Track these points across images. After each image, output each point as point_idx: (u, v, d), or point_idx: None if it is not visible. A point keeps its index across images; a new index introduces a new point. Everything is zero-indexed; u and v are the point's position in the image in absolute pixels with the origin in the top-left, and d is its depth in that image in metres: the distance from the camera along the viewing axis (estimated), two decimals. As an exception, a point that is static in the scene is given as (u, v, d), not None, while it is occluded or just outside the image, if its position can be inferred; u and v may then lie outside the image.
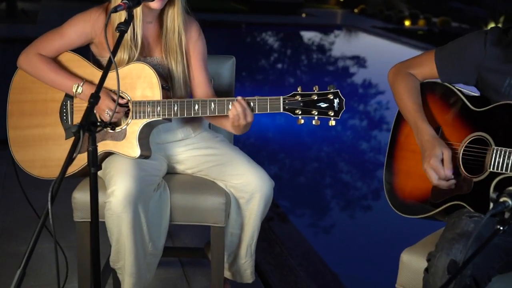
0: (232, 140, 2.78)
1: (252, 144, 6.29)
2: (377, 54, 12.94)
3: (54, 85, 2.38)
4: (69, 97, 2.40)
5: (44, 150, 2.40)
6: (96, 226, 1.98)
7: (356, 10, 18.23)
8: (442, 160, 2.06)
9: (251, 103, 2.22)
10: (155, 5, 2.29)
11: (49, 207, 1.68)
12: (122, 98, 2.32)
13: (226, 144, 2.54)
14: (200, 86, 2.47)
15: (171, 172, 2.55)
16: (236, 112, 2.19)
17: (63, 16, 2.44)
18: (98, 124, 1.88)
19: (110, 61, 1.94)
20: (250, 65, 10.70)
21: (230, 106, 2.22)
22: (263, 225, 2.55)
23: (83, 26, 2.37)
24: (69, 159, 1.76)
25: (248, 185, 2.38)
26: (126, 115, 2.33)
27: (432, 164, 2.06)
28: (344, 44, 14.51)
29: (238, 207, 2.44)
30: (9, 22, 11.88)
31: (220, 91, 2.73)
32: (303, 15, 16.87)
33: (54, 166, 2.37)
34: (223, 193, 2.40)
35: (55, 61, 2.41)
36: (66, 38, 2.39)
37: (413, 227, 2.77)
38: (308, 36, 15.00)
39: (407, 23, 17.28)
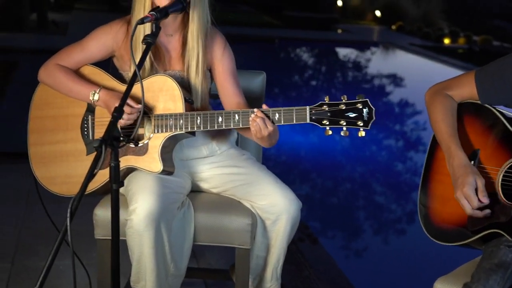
0: (260, 159, 2.76)
1: (284, 162, 6.26)
2: (415, 73, 12.81)
3: (72, 94, 2.39)
4: (90, 111, 2.40)
5: (64, 167, 2.40)
6: (117, 244, 1.97)
7: (393, 27, 18.13)
8: (476, 189, 2.01)
9: (270, 113, 2.19)
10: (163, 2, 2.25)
11: (68, 224, 1.67)
12: (132, 107, 2.29)
13: (253, 163, 2.51)
14: (232, 97, 2.44)
15: (195, 190, 2.53)
16: (255, 123, 2.17)
17: (93, 27, 2.45)
18: (121, 139, 1.87)
19: (134, 73, 1.94)
20: (283, 81, 10.68)
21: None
22: (290, 247, 2.51)
23: (104, 39, 2.38)
24: (90, 175, 1.76)
25: (274, 206, 2.35)
26: (147, 126, 2.32)
27: (465, 193, 2.01)
28: (380, 62, 14.42)
29: (264, 228, 2.41)
30: (40, 33, 12.08)
31: (250, 107, 2.71)
32: (339, 31, 16.83)
33: (75, 183, 2.37)
34: (249, 214, 2.38)
35: (76, 73, 2.41)
36: (87, 50, 2.40)
37: (448, 254, 2.71)
38: (344, 52, 14.95)
39: (446, 41, 17.12)
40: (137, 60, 2.32)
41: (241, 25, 14.87)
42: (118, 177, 1.91)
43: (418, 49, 15.35)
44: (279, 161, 6.17)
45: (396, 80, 12.23)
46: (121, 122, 2.28)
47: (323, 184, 6.18)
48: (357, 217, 5.50)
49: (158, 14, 2.10)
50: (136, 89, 2.30)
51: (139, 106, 2.29)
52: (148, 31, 2.27)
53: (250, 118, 2.20)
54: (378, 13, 19.04)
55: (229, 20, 15.72)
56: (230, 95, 2.44)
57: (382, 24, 18.78)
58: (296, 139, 6.76)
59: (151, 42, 2.05)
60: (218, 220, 2.36)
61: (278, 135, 2.28)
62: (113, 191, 1.92)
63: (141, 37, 2.29)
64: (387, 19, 18.50)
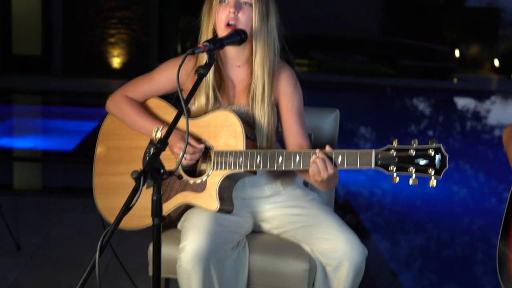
0: (332, 202, 2.58)
1: (398, 212, 6.00)
2: (537, 123, 12.08)
3: (136, 128, 2.34)
4: (152, 144, 2.33)
5: (125, 199, 2.32)
6: (158, 280, 1.85)
7: (513, 76, 17.35)
8: None
9: (333, 155, 2.04)
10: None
11: (97, 258, 1.58)
12: (194, 147, 2.21)
13: (317, 204, 2.34)
14: (296, 137, 2.30)
15: (257, 231, 2.38)
16: (315, 164, 2.03)
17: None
18: (162, 172, 1.77)
19: (182, 108, 1.84)
20: (398, 132, 10.37)
21: (342, 157, 2.05)
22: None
23: (172, 72, 2.31)
24: (126, 207, 1.67)
25: (336, 251, 2.16)
26: (210, 162, 2.21)
27: None
28: (500, 112, 13.76)
29: (325, 276, 2.22)
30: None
31: (320, 146, 2.54)
32: (455, 80, 16.27)
33: (134, 216, 2.27)
34: (308, 258, 2.20)
35: (142, 105, 2.36)
36: (154, 82, 2.35)
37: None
38: (462, 102, 14.41)
39: None
40: (197, 93, 2.27)
41: (353, 74, 14.73)
42: (160, 212, 1.82)
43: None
44: (393, 210, 5.93)
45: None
46: (183, 162, 2.19)
47: (439, 235, 5.86)
48: (475, 272, 5.13)
49: (212, 45, 2.00)
50: (196, 126, 2.22)
51: (202, 146, 2.21)
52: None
53: (311, 160, 2.04)
54: (496, 62, 18.30)
55: (343, 69, 15.69)
56: (294, 135, 2.30)
57: (501, 74, 18.01)
58: (411, 189, 6.49)
59: (203, 73, 1.95)
60: (273, 263, 2.20)
61: (338, 180, 2.13)
62: (155, 226, 1.81)
63: (210, 73, 2.22)
64: (506, 68, 17.72)
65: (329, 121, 2.60)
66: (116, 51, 11.31)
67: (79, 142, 6.80)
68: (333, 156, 2.05)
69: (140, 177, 1.69)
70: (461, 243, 5.61)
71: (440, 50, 18.33)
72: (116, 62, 11.27)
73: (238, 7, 2.19)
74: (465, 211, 6.38)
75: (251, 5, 2.21)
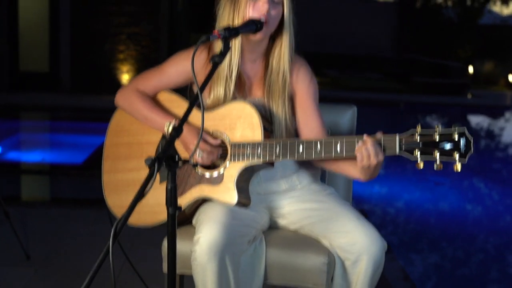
0: (350, 198, 2.56)
1: (412, 229, 5.96)
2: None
3: (147, 122, 2.31)
4: (165, 138, 2.31)
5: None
6: (173, 277, 1.82)
7: (527, 92, 17.30)
8: None
9: (382, 142, 2.02)
10: (256, 37, 2.16)
11: (110, 245, 1.55)
12: (215, 138, 2.18)
13: (335, 198, 2.32)
14: (314, 129, 2.28)
15: (273, 227, 2.35)
16: (365, 148, 2.00)
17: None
18: (178, 158, 1.74)
19: (197, 96, 1.82)
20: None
21: (357, 144, 2.02)
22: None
23: (183, 64, 2.30)
24: (140, 194, 1.64)
25: (354, 245, 2.13)
26: (225, 157, 2.18)
27: None
28: (514, 129, 13.68)
29: (344, 270, 2.19)
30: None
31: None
32: (469, 96, 16.23)
33: (147, 213, 2.27)
34: (326, 252, 2.17)
35: (153, 99, 2.34)
36: (165, 75, 2.33)
37: None
38: (476, 118, 14.35)
39: None
40: (213, 85, 2.25)
41: (366, 90, 14.72)
42: (175, 201, 1.79)
43: (556, 115, 14.46)
44: (408, 228, 5.88)
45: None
46: (199, 160, 2.18)
47: (454, 254, 5.80)
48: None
49: (227, 33, 1.98)
50: (212, 119, 2.20)
51: (218, 141, 2.19)
52: (234, 58, 2.21)
53: (357, 145, 2.02)
54: (510, 78, 18.27)
55: (357, 86, 15.68)
56: (311, 126, 2.29)
57: (515, 89, 17.99)
58: (426, 206, 6.46)
59: (217, 61, 1.94)
60: (291, 258, 2.17)
61: (381, 168, 2.09)
62: (170, 216, 1.78)
63: (234, 66, 2.20)
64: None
65: (346, 118, 2.59)
66: (125, 67, 11.34)
67: (89, 155, 6.79)
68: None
69: (154, 164, 1.67)
70: (476, 262, 5.56)
71: (454, 67, 18.31)
72: (125, 78, 11.30)
73: (271, 4, 2.19)
74: (480, 229, 6.32)
75: (280, 3, 2.21)
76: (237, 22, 2.20)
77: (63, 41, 11.29)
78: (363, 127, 2.66)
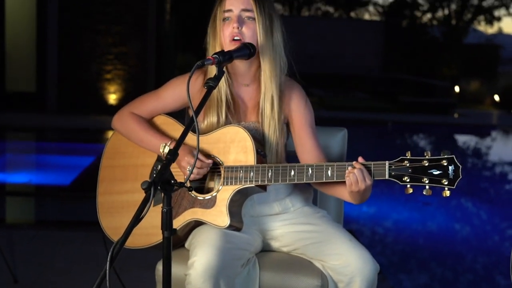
0: (341, 219, 2.60)
1: (401, 250, 5.98)
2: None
3: (143, 144, 2.35)
4: (160, 162, 2.34)
5: (130, 218, 2.31)
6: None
7: (513, 111, 17.48)
8: None
9: (372, 167, 2.07)
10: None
11: (107, 269, 1.56)
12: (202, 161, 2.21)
13: (327, 221, 2.35)
14: (310, 151, 2.32)
15: (266, 250, 2.37)
16: (352, 174, 2.05)
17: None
18: (173, 182, 1.77)
19: (192, 120, 1.85)
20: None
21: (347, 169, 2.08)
22: None
23: (180, 89, 2.34)
24: (136, 219, 1.66)
25: (347, 267, 2.16)
26: (218, 179, 2.21)
27: None
28: (501, 148, 13.78)
29: (337, 293, 2.19)
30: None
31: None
32: (455, 115, 16.38)
33: (141, 235, 2.28)
34: (319, 274, 2.21)
35: (149, 122, 2.36)
36: (162, 100, 2.37)
37: None
38: (463, 138, 14.46)
39: None
40: (208, 111, 2.28)
41: (354, 110, 14.82)
42: (170, 224, 1.81)
43: (542, 133, 14.60)
44: (396, 250, 5.90)
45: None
46: (191, 176, 2.18)
47: (442, 274, 5.83)
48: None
49: (221, 57, 2.02)
50: (206, 142, 2.23)
51: (210, 161, 2.22)
52: (222, 83, 2.26)
53: (347, 170, 2.07)
54: (496, 97, 18.45)
55: (344, 106, 15.78)
56: (309, 150, 2.33)
57: (501, 109, 18.16)
58: (414, 227, 6.49)
59: (212, 85, 1.97)
60: (284, 280, 2.20)
61: (370, 192, 2.14)
62: (165, 239, 1.80)
63: (223, 91, 2.24)
64: (507, 104, 17.87)
65: (337, 140, 2.63)
66: (112, 87, 11.35)
67: (76, 176, 6.78)
68: (347, 168, 2.08)
69: (150, 188, 1.69)
70: (464, 282, 5.58)
71: (440, 86, 18.49)
72: (113, 98, 11.31)
73: (241, 22, 2.24)
74: (468, 249, 6.36)
75: (254, 19, 2.25)
76: (218, 48, 2.26)
77: (50, 61, 11.29)
78: (353, 148, 2.70)
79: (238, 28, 2.22)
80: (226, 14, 2.26)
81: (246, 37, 2.23)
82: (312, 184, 2.32)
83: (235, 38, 2.23)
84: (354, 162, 2.08)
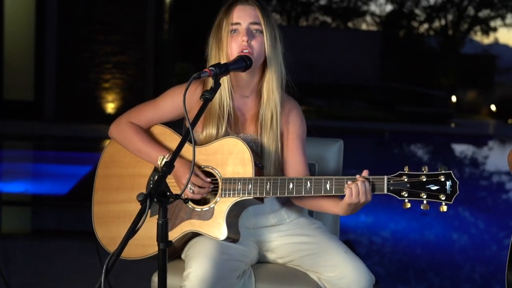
0: (338, 231, 2.59)
1: (399, 260, 5.97)
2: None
3: (140, 155, 2.34)
4: (157, 172, 2.32)
5: (126, 228, 2.29)
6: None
7: (510, 121, 17.50)
8: None
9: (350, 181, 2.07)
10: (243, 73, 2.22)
11: (102, 282, 1.55)
12: (209, 173, 2.20)
13: (323, 232, 2.35)
14: (296, 168, 2.32)
15: (262, 261, 2.37)
16: (355, 185, 2.05)
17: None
18: (169, 194, 1.76)
19: (188, 132, 1.85)
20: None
21: (347, 183, 2.09)
22: None
23: (178, 99, 2.33)
24: (132, 231, 1.65)
25: (342, 278, 2.16)
26: (216, 193, 2.20)
27: None
28: (498, 158, 13.79)
29: (332, 305, 2.18)
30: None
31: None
32: (452, 125, 16.41)
33: (137, 246, 2.27)
34: (315, 286, 2.21)
35: (147, 132, 2.36)
36: (160, 109, 2.36)
37: None
38: (460, 147, 14.48)
39: None
40: (206, 122, 2.27)
41: (352, 120, 14.85)
42: (166, 236, 1.81)
43: (538, 143, 14.63)
44: (394, 259, 5.89)
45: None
46: (189, 195, 2.19)
47: (441, 284, 5.82)
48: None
49: (217, 70, 2.02)
50: (204, 154, 2.22)
51: (209, 180, 2.22)
52: (224, 95, 2.26)
53: (348, 182, 2.08)
54: (493, 107, 18.50)
55: (341, 116, 15.81)
56: (296, 163, 2.33)
57: (497, 119, 18.21)
58: (412, 237, 6.48)
59: (208, 97, 1.96)
60: (280, 292, 2.16)
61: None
62: (160, 251, 1.79)
63: (225, 104, 2.23)
64: (503, 113, 17.92)
65: (333, 151, 2.63)
66: (110, 96, 11.35)
67: (73, 185, 6.76)
68: (345, 183, 2.09)
69: (146, 200, 1.68)
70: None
71: (437, 96, 18.54)
72: (111, 107, 11.30)
73: (250, 35, 2.24)
74: (465, 258, 6.35)
75: (261, 31, 2.25)
76: (223, 59, 2.25)
77: (48, 69, 11.29)
78: (350, 158, 2.70)
79: (247, 41, 2.22)
80: (234, 27, 2.25)
81: (255, 50, 2.23)
82: (296, 201, 2.32)
83: (244, 51, 2.22)
84: (357, 176, 2.08)
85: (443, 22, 24.46)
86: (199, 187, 2.19)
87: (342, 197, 2.12)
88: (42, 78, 11.35)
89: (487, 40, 26.75)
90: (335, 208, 2.18)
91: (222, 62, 2.22)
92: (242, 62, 2.17)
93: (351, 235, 6.00)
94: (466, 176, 11.40)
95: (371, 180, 2.08)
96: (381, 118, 16.18)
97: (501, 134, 16.06)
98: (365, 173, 2.08)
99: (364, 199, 2.05)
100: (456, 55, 23.44)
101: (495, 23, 27.55)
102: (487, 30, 25.25)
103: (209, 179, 2.21)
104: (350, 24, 27.68)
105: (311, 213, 2.53)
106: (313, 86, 18.36)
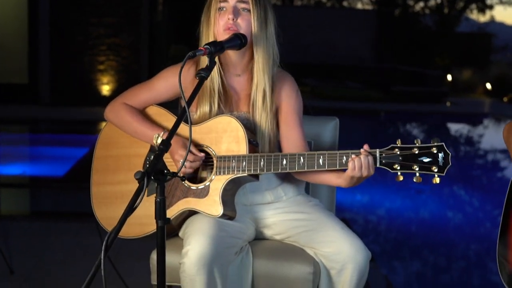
0: (334, 208, 2.64)
1: (394, 238, 6.02)
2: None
3: (136, 135, 2.36)
4: (153, 152, 2.35)
5: (124, 208, 2.33)
6: (163, 286, 1.85)
7: (505, 99, 17.52)
8: None
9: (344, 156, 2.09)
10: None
11: (102, 258, 1.58)
12: (203, 152, 2.23)
13: (320, 209, 2.38)
14: (295, 143, 2.34)
15: (259, 238, 2.40)
16: (358, 159, 2.06)
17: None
18: (166, 172, 1.79)
19: (184, 110, 1.87)
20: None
21: (346, 158, 2.10)
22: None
23: (172, 79, 2.35)
24: (130, 208, 1.68)
25: (339, 254, 2.19)
26: (210, 169, 2.23)
27: None
28: (493, 136, 13.83)
29: (329, 279, 2.25)
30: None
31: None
32: (448, 103, 16.43)
33: (135, 224, 2.30)
34: (312, 261, 2.23)
35: (142, 113, 2.38)
36: (154, 90, 2.38)
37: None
38: (455, 126, 14.51)
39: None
40: (200, 101, 2.30)
41: (345, 100, 14.85)
42: (164, 213, 1.83)
43: (533, 121, 14.60)
44: (389, 237, 5.94)
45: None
46: (183, 170, 2.21)
47: (435, 261, 5.87)
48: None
49: (212, 48, 2.04)
50: (198, 132, 2.25)
51: (202, 154, 2.23)
52: (214, 73, 2.27)
53: (352, 156, 2.08)
54: (488, 85, 18.50)
55: (336, 96, 15.80)
56: (294, 138, 2.35)
57: (493, 97, 18.22)
58: (407, 215, 6.51)
59: (204, 76, 1.98)
60: (277, 268, 2.23)
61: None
62: (159, 228, 1.82)
63: (215, 81, 2.25)
64: (499, 92, 17.93)
65: (329, 129, 2.65)
66: (105, 79, 11.33)
67: (70, 167, 6.79)
68: (338, 157, 2.11)
69: (143, 178, 1.71)
70: (457, 269, 5.62)
71: (433, 75, 18.51)
72: (106, 89, 11.29)
73: (236, 13, 2.25)
74: (460, 235, 6.40)
75: (249, 10, 2.27)
76: (211, 37, 2.28)
77: (42, 52, 11.25)
78: (345, 138, 2.72)
79: (233, 19, 2.24)
80: (222, 4, 2.27)
81: (240, 29, 2.25)
82: (298, 175, 2.33)
83: (230, 28, 2.24)
84: (361, 150, 2.09)
85: (438, 0, 24.37)
86: (191, 161, 2.22)
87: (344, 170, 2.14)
88: (36, 60, 11.31)
89: (483, 18, 26.63)
90: (337, 180, 2.19)
91: (211, 39, 2.26)
92: (237, 40, 2.19)
93: (347, 213, 6.04)
94: (461, 155, 11.43)
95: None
96: (376, 98, 16.17)
97: (496, 112, 16.09)
98: (366, 147, 2.10)
99: (367, 173, 2.07)
100: (452, 33, 23.35)
101: (491, 1, 27.46)
102: (483, 8, 25.14)
103: (202, 154, 2.24)
104: (345, 3, 27.55)
105: (307, 191, 2.57)
106: (308, 66, 18.31)
